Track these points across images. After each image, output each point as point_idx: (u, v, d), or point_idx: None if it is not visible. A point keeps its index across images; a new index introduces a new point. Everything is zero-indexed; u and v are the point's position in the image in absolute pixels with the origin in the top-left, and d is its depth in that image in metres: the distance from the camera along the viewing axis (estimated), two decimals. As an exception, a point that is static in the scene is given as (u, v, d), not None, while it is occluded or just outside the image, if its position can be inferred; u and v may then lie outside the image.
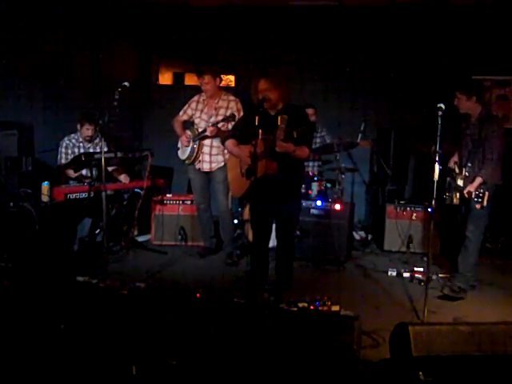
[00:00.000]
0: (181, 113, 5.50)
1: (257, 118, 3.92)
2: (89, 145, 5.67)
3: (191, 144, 5.34)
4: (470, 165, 4.39)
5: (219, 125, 5.11)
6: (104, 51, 6.80)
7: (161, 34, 7.55)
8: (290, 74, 6.70)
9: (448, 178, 4.59)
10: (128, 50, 7.36)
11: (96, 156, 5.02)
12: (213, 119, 5.25)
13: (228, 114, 5.16)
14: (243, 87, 7.06)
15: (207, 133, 5.17)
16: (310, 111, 5.99)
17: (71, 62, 6.29)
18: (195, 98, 5.46)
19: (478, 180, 4.29)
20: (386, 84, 6.98)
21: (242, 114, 5.18)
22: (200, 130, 5.30)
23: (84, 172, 5.52)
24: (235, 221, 5.86)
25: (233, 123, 4.99)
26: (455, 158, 4.67)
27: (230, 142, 4.39)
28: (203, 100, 5.38)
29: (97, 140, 5.67)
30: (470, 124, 4.49)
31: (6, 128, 5.05)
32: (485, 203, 4.08)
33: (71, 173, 5.45)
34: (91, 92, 6.40)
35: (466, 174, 4.39)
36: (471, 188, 4.26)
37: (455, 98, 4.44)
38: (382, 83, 7.00)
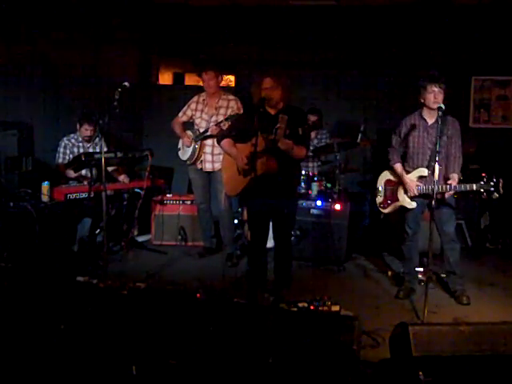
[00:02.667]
0: (180, 114, 5.50)
1: (256, 116, 3.92)
2: (88, 145, 5.67)
3: (193, 144, 5.34)
4: (440, 167, 4.14)
5: (222, 124, 5.11)
6: (104, 51, 6.80)
7: (161, 34, 7.55)
8: (289, 74, 6.69)
9: (387, 186, 4.59)
10: (128, 49, 7.35)
11: (96, 156, 5.02)
12: (214, 119, 5.25)
13: (229, 113, 5.16)
14: (243, 87, 7.07)
15: (210, 132, 5.17)
16: (313, 118, 5.97)
17: (71, 62, 6.29)
18: (194, 98, 5.46)
19: (456, 176, 4.20)
20: (386, 84, 6.98)
21: (241, 111, 5.19)
22: (201, 130, 5.30)
23: (84, 172, 5.52)
24: (235, 221, 5.86)
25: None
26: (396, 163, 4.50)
27: (226, 142, 4.38)
28: (203, 100, 5.38)
29: (96, 140, 5.67)
30: (426, 125, 4.30)
31: (6, 128, 5.05)
32: (501, 191, 3.92)
33: (71, 173, 5.45)
34: (91, 92, 6.40)
35: (429, 172, 4.23)
36: (453, 182, 4.14)
37: (441, 91, 4.18)
38: (382, 83, 6.99)
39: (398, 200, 4.52)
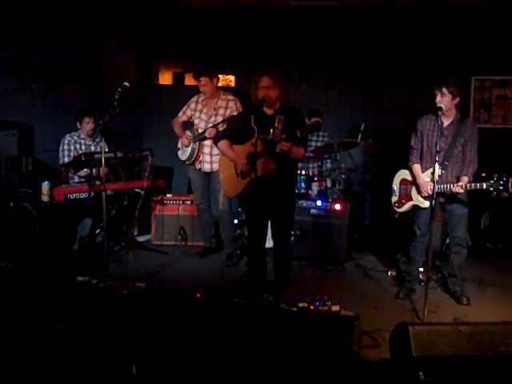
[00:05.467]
0: (180, 114, 5.50)
1: (252, 117, 3.92)
2: (90, 142, 5.70)
3: (191, 144, 5.34)
4: (447, 164, 4.26)
5: (219, 126, 5.11)
6: (104, 51, 6.79)
7: (161, 34, 7.54)
8: (289, 74, 6.70)
9: (402, 186, 4.59)
10: (128, 49, 7.35)
11: (96, 156, 5.03)
12: (212, 119, 5.25)
13: (228, 113, 5.16)
14: (243, 87, 7.07)
15: (206, 134, 5.17)
16: (314, 119, 5.98)
17: (71, 61, 6.28)
18: (194, 98, 5.46)
19: (466, 179, 4.21)
20: (386, 84, 6.98)
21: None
22: (200, 130, 5.30)
23: (85, 170, 5.52)
24: (235, 221, 5.86)
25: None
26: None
27: (223, 143, 4.37)
28: (202, 100, 5.38)
29: (98, 138, 5.70)
30: (442, 126, 4.26)
31: (6, 128, 5.04)
32: (511, 190, 3.90)
33: (81, 172, 5.47)
34: (91, 92, 6.39)
35: (443, 171, 4.26)
36: (460, 186, 4.13)
37: (439, 94, 4.22)
38: (382, 83, 6.99)
39: (411, 199, 4.52)
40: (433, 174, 4.11)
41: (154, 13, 7.28)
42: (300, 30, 7.14)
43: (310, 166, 6.24)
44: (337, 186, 5.76)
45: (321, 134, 6.34)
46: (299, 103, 4.99)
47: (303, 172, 5.75)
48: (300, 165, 5.75)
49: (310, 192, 5.72)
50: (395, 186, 4.67)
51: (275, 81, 4.15)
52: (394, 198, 4.67)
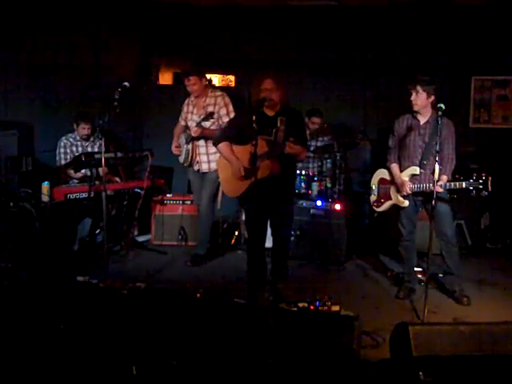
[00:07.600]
0: (180, 119, 5.51)
1: (254, 118, 3.92)
2: (87, 143, 5.69)
3: (185, 146, 5.34)
4: (425, 163, 4.29)
5: (207, 124, 5.09)
6: (104, 51, 6.80)
7: (161, 34, 7.55)
8: (289, 75, 6.70)
9: (381, 185, 4.62)
10: (128, 49, 7.35)
11: (96, 156, 5.03)
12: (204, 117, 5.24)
13: (217, 109, 5.14)
14: (243, 87, 7.08)
15: (193, 134, 5.16)
16: (316, 120, 6.00)
17: (71, 61, 6.29)
18: (185, 101, 5.47)
19: (445, 178, 4.21)
20: (386, 84, 6.98)
21: (230, 106, 5.16)
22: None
23: (83, 171, 5.52)
24: (225, 225, 5.85)
25: (212, 120, 5.03)
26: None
27: (224, 146, 4.37)
28: (191, 101, 5.38)
29: (96, 140, 5.69)
30: (419, 125, 4.35)
31: (6, 128, 5.05)
32: (490, 188, 3.93)
33: (77, 173, 5.46)
34: (91, 92, 6.40)
35: (421, 170, 4.30)
36: (440, 185, 4.09)
37: (413, 91, 4.29)
38: (382, 83, 6.99)
39: (390, 199, 4.54)
40: (433, 172, 4.11)
41: (154, 13, 7.28)
42: (300, 30, 7.14)
43: (310, 165, 6.24)
44: (337, 186, 5.76)
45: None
46: (299, 104, 4.99)
47: (303, 172, 5.75)
48: (300, 165, 5.76)
49: (310, 192, 5.72)
50: (374, 186, 4.71)
51: (277, 83, 4.19)
52: (373, 198, 4.71)
